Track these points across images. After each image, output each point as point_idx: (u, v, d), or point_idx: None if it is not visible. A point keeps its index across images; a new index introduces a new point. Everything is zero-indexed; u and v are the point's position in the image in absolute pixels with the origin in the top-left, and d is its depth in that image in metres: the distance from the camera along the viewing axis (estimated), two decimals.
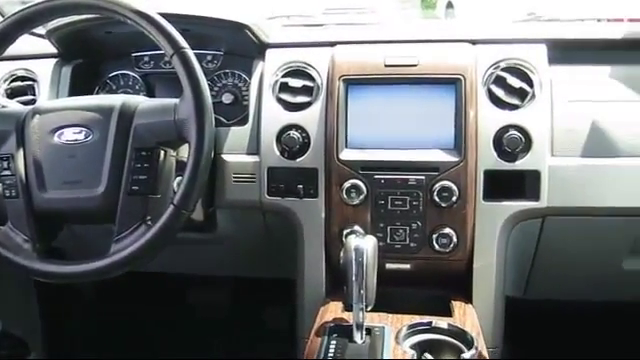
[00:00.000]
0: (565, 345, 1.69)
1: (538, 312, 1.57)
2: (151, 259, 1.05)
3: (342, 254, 1.04)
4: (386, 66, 1.21)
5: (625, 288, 1.38)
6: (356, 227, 1.20)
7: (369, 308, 1.03)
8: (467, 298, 1.22)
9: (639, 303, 1.44)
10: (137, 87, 1.43)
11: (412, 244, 1.20)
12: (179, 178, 1.09)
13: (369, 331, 1.06)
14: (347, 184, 1.19)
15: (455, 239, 1.19)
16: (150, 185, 1.07)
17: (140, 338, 1.83)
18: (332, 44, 1.29)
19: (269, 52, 1.31)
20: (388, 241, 1.21)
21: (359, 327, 1.03)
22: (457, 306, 1.19)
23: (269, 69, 1.28)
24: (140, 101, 1.13)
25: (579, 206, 1.20)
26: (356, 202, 1.20)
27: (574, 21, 1.58)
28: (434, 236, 1.19)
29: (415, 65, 1.20)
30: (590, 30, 1.32)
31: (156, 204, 1.07)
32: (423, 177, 1.18)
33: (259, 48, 1.31)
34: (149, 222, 1.05)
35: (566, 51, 1.25)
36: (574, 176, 1.19)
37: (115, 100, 1.12)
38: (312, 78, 1.26)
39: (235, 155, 1.28)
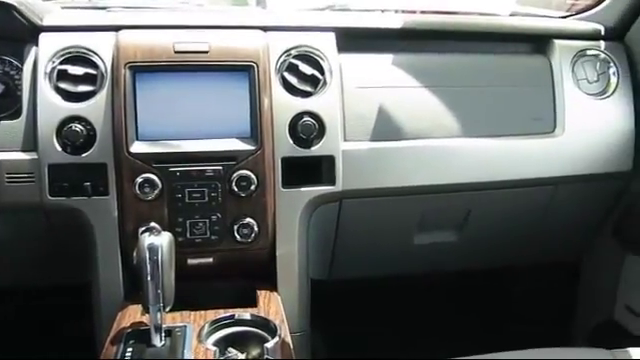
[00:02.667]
0: (371, 320, 1.79)
1: (344, 292, 1.64)
2: None
3: (135, 254, 0.98)
4: (176, 52, 1.15)
5: (417, 261, 1.49)
6: (152, 224, 1.14)
7: (168, 308, 0.98)
8: (272, 286, 1.22)
9: (429, 274, 1.58)
10: None
11: (213, 237, 1.17)
12: None
13: (170, 332, 1.01)
14: (140, 179, 1.12)
15: (256, 228, 1.18)
16: None
17: None
18: (117, 28, 1.19)
19: (43, 36, 1.17)
20: (188, 236, 1.16)
21: (157, 329, 0.98)
22: (262, 295, 1.18)
23: (44, 55, 1.15)
24: None
25: (371, 188, 1.26)
26: (151, 197, 1.13)
27: (367, 11, 1.65)
28: (235, 227, 1.17)
29: (206, 52, 1.16)
30: (374, 20, 1.39)
31: None
32: (221, 167, 1.15)
33: (31, 31, 1.17)
34: None
35: (354, 39, 1.30)
36: (365, 159, 1.24)
37: None
38: (95, 65, 1.15)
39: (8, 152, 1.13)
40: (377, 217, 1.35)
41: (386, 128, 1.26)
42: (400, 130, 1.26)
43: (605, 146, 1.37)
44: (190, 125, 1.16)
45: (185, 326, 1.04)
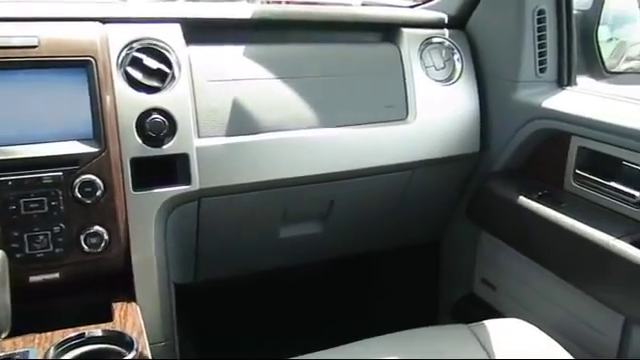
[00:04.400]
0: (243, 318, 1.76)
1: (212, 293, 1.59)
2: None
3: None
4: None
5: (284, 255, 1.48)
6: None
7: (4, 334, 0.88)
8: (130, 296, 1.14)
9: (297, 266, 1.57)
10: None
11: (57, 250, 1.06)
12: None
13: None
14: None
15: (107, 236, 1.09)
16: None
17: None
18: None
19: None
20: (27, 251, 1.05)
21: None
22: (118, 307, 1.10)
23: None
24: None
25: (230, 184, 1.22)
26: None
27: (228, 1, 1.60)
28: (82, 237, 1.07)
29: (35, 47, 1.05)
30: (222, 10, 1.33)
31: None
32: (60, 173, 1.05)
33: None
34: None
35: (202, 30, 1.25)
36: (222, 156, 1.20)
37: None
38: None
39: None
40: (239, 214, 1.31)
41: (241, 122, 1.22)
42: (256, 123, 1.23)
43: (454, 130, 1.43)
44: (22, 129, 1.04)
45: (27, 351, 0.94)
